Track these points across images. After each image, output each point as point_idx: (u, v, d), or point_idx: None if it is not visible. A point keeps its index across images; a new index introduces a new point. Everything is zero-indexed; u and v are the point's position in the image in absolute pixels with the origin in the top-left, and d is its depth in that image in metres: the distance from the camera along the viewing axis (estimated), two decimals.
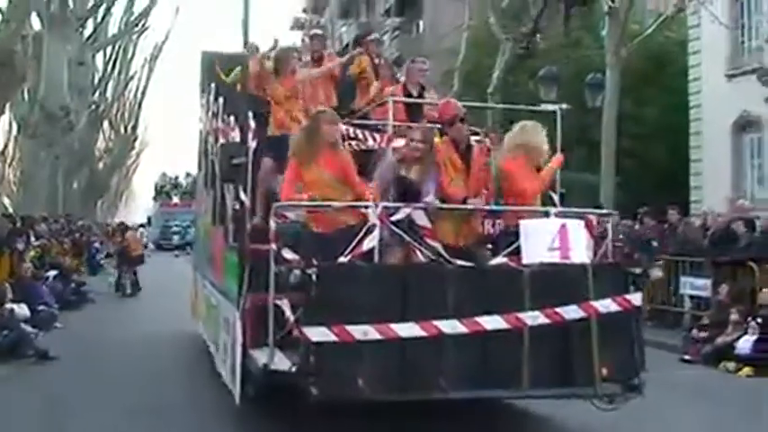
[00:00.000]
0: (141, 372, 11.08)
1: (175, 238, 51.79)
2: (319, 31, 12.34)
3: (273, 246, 6.83)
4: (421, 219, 7.17)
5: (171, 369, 11.40)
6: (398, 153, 7.90)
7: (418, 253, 7.07)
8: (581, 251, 7.16)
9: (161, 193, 58.79)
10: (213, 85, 11.18)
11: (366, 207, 7.02)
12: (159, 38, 50.47)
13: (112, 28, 39.09)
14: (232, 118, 9.48)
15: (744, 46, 30.03)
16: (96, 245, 32.57)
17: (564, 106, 8.83)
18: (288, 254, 6.87)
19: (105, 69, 42.32)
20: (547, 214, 7.34)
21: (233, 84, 10.54)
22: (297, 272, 6.68)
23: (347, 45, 11.26)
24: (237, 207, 8.43)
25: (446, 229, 7.48)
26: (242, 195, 7.97)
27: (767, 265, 13.56)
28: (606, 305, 6.79)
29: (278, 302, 6.86)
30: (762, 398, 10.11)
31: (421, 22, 44.81)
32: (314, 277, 6.38)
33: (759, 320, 12.14)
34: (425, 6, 43.68)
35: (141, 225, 36.93)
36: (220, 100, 10.38)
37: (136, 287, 23.81)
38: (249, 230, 7.93)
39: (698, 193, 29.51)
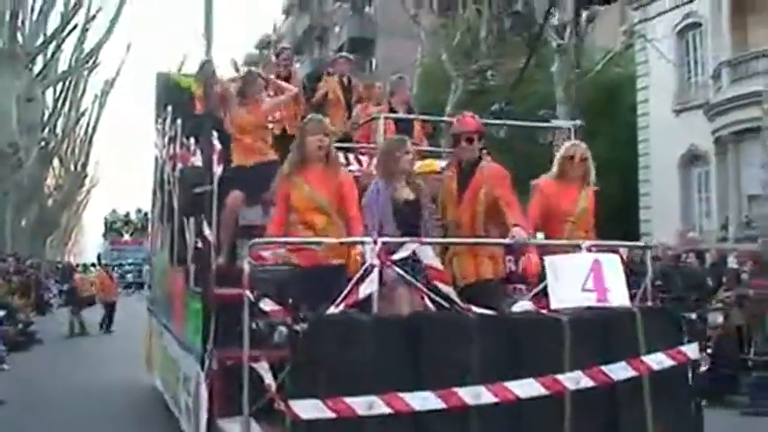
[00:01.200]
0: (90, 419, 9.80)
1: (128, 276, 48.65)
2: (288, 45, 11.03)
3: (248, 293, 5.26)
4: (428, 257, 5.61)
5: (122, 418, 9.86)
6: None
7: (426, 300, 5.51)
8: (620, 292, 5.64)
9: (111, 230, 56.51)
10: (170, 107, 9.57)
11: (362, 243, 5.47)
12: (111, 74, 48.45)
13: (63, 64, 37.19)
14: (192, 141, 7.92)
15: (690, 82, 29.50)
16: (48, 284, 30.69)
17: (578, 122, 7.43)
18: (267, 304, 5.30)
19: (55, 105, 40.23)
20: (578, 248, 5.83)
21: (190, 92, 9.05)
22: (281, 328, 5.09)
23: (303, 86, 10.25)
24: (200, 244, 6.82)
25: (458, 268, 6.04)
26: (206, 230, 6.34)
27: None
28: (659, 360, 5.28)
29: (254, 365, 5.29)
30: None
31: (374, 59, 43.48)
32: (301, 334, 4.82)
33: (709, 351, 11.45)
34: (378, 43, 42.49)
35: (92, 264, 34.68)
36: (178, 122, 8.78)
37: (84, 328, 22.04)
38: (215, 272, 6.34)
39: (647, 226, 28.86)
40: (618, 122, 29.73)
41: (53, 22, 30.91)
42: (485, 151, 6.46)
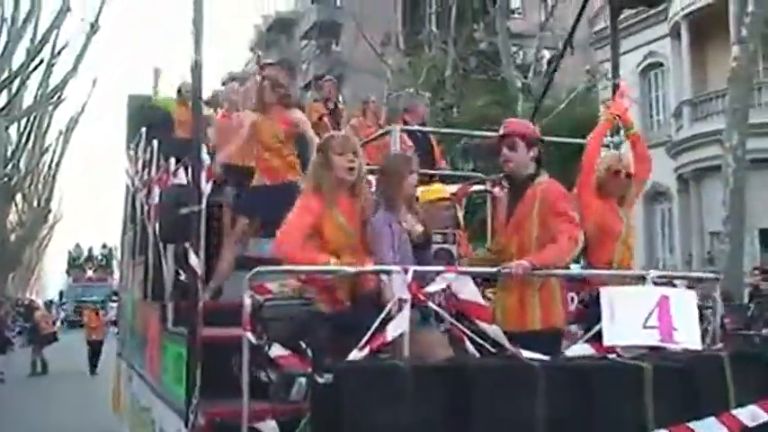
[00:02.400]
0: None
1: None
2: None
3: (249, 335, 4.09)
4: (469, 290, 4.47)
5: None
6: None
7: (467, 343, 4.36)
8: (690, 332, 4.56)
9: (74, 265, 54.46)
10: (145, 129, 8.39)
11: (389, 272, 4.32)
12: (76, 109, 46.82)
13: (27, 99, 35.57)
14: (173, 160, 6.75)
15: (652, 120, 29.04)
16: (9, 322, 28.97)
17: (617, 140, 6.39)
18: (275, 349, 4.12)
19: (19, 141, 38.39)
20: (642, 279, 4.73)
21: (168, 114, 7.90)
22: (301, 380, 3.89)
23: None
24: (183, 276, 5.63)
25: (500, 311, 4.83)
26: (191, 259, 5.13)
27: None
28: (753, 415, 4.19)
29: (257, 425, 4.11)
30: None
31: (341, 97, 42.46)
32: (322, 385, 3.65)
33: None
34: (345, 81, 41.61)
35: (50, 301, 32.87)
36: (155, 143, 7.62)
37: (45, 367, 20.63)
38: (202, 309, 5.15)
39: None
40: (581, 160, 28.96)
41: (18, 57, 29.39)
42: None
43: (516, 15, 34.58)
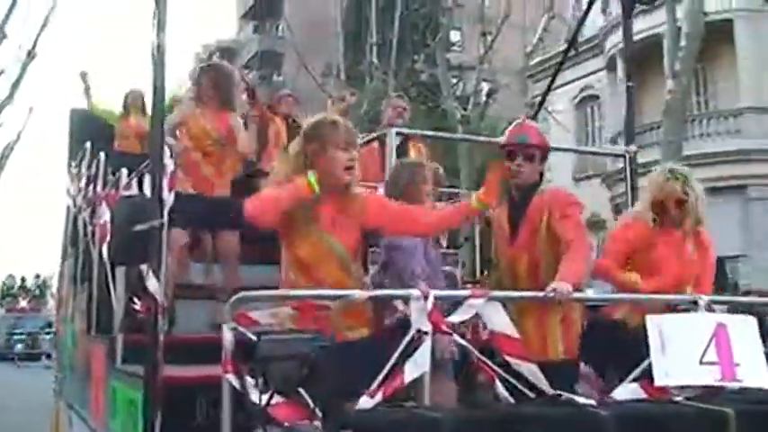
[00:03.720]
0: None
1: (18, 346, 41.21)
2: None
3: (230, 377, 3.12)
4: (499, 320, 3.53)
5: None
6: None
7: (498, 384, 3.43)
8: (758, 367, 3.71)
9: (6, 295, 52.04)
10: (89, 143, 7.33)
11: (405, 297, 3.37)
12: (11, 137, 44.88)
13: None
14: (125, 172, 5.72)
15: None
16: None
17: (633, 148, 5.57)
18: (258, 392, 3.12)
19: None
20: (694, 304, 3.87)
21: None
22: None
23: None
24: (138, 305, 4.60)
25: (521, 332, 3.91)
26: (151, 283, 4.11)
27: None
28: None
29: None
30: None
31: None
32: None
33: None
34: None
35: None
36: (101, 157, 6.56)
37: None
38: (164, 344, 4.12)
39: None
40: None
41: None
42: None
43: (456, 48, 34.13)
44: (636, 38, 24.65)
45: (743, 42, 22.60)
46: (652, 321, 3.74)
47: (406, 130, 5.65)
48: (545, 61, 28.78)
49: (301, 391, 2.89)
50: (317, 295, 3.35)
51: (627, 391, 3.61)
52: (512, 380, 3.41)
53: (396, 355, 3.24)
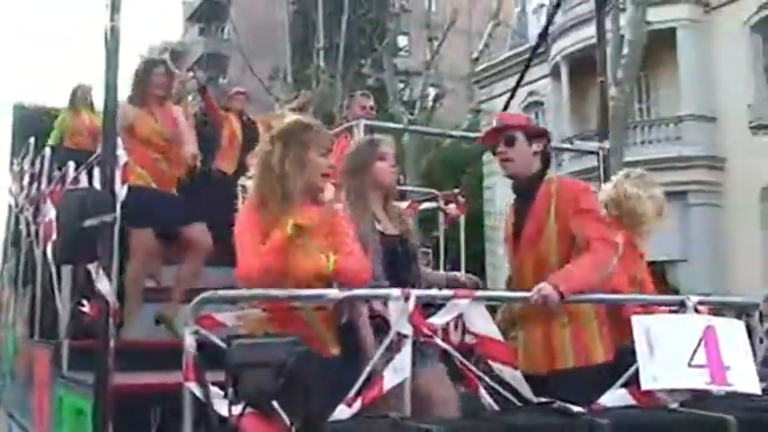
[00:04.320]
0: None
1: None
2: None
3: (192, 386, 2.80)
4: (482, 322, 3.25)
5: None
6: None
7: (482, 392, 3.16)
8: (747, 371, 3.50)
9: None
10: (33, 138, 6.89)
11: (385, 298, 3.08)
12: None
13: None
14: (72, 166, 5.32)
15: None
16: None
17: (606, 145, 5.36)
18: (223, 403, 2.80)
19: None
20: (682, 305, 3.64)
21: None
22: None
23: None
24: (87, 307, 4.23)
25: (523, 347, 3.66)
26: (102, 284, 3.76)
27: None
28: None
29: None
30: None
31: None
32: None
33: None
34: None
35: None
36: (46, 152, 6.14)
37: None
38: (113, 350, 3.76)
39: None
40: (466, 196, 28.54)
41: None
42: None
43: (403, 53, 34.02)
44: (580, 45, 25.03)
45: (684, 51, 22.81)
46: (638, 323, 3.51)
47: (375, 123, 5.36)
48: (491, 67, 28.79)
49: (275, 404, 2.58)
50: (289, 296, 3.03)
51: (615, 397, 3.37)
52: (497, 387, 3.13)
53: (374, 360, 2.96)
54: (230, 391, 2.37)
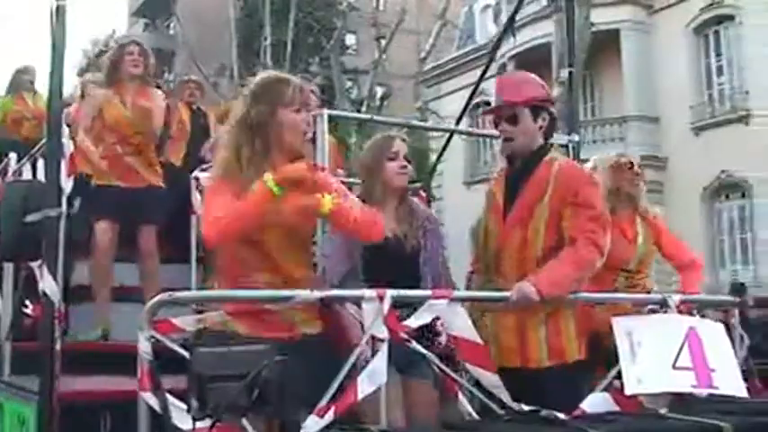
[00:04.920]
0: None
1: None
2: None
3: (149, 398, 2.51)
4: (460, 323, 2.98)
5: None
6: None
7: (462, 398, 2.91)
8: (732, 374, 3.32)
9: None
10: None
11: (358, 299, 2.81)
12: None
13: None
14: (13, 157, 4.96)
15: (479, 157, 28.77)
16: None
17: (576, 137, 5.16)
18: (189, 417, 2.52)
19: None
20: (663, 305, 3.44)
21: None
22: None
23: None
24: (29, 308, 3.89)
25: (492, 337, 3.36)
26: (46, 283, 3.43)
27: None
28: None
29: None
30: None
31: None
32: None
33: None
34: None
35: None
36: None
37: None
38: (60, 354, 3.44)
39: None
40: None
41: None
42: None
43: (351, 52, 33.69)
44: (525, 47, 25.07)
45: (628, 52, 22.96)
46: (619, 324, 3.30)
47: (339, 113, 5.09)
48: (438, 67, 28.68)
49: (246, 421, 2.30)
50: (256, 297, 2.75)
51: (597, 401, 3.16)
52: (478, 393, 2.90)
53: (347, 366, 2.70)
54: (194, 403, 2.08)
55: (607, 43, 21.96)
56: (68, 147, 3.62)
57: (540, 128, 3.53)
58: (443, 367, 2.88)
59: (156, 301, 2.59)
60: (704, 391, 3.21)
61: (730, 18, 21.00)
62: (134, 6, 44.82)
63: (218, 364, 2.05)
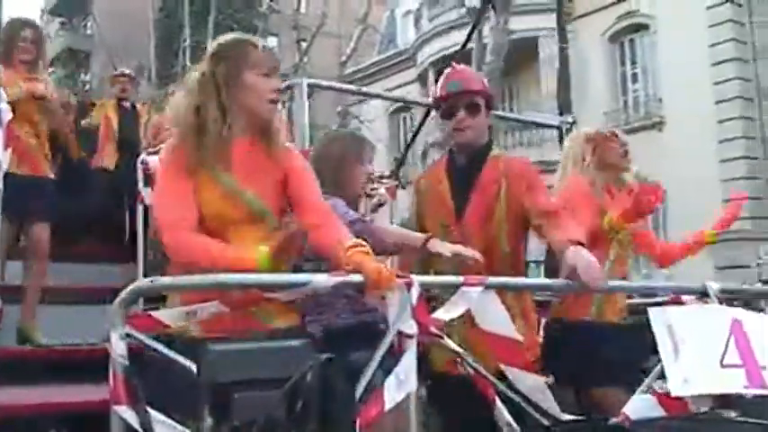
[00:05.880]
0: None
1: None
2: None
3: (125, 412, 1.88)
4: (494, 316, 2.39)
5: None
6: None
7: (500, 407, 2.33)
8: None
9: None
10: None
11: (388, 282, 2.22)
12: None
13: None
14: None
15: (407, 161, 28.38)
16: None
17: (569, 119, 4.71)
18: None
19: None
20: (705, 295, 2.94)
21: None
22: None
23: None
24: None
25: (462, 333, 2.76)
26: None
27: None
28: None
29: None
30: None
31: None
32: None
33: None
34: None
35: None
36: None
37: None
38: None
39: None
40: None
41: None
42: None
43: None
44: (447, 51, 24.88)
45: (545, 59, 22.93)
46: (657, 316, 2.81)
47: (318, 82, 4.49)
48: (359, 71, 28.20)
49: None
50: (265, 282, 2.12)
51: (641, 405, 2.65)
52: (518, 399, 2.34)
53: (371, 369, 2.11)
54: (209, 420, 1.45)
55: (525, 50, 21.87)
56: (7, 113, 2.93)
57: (487, 124, 3.33)
58: (480, 368, 2.30)
59: (131, 289, 1.95)
60: (756, 392, 2.75)
61: (645, 27, 21.14)
62: (50, 4, 42.98)
63: (239, 366, 1.44)
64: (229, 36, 2.67)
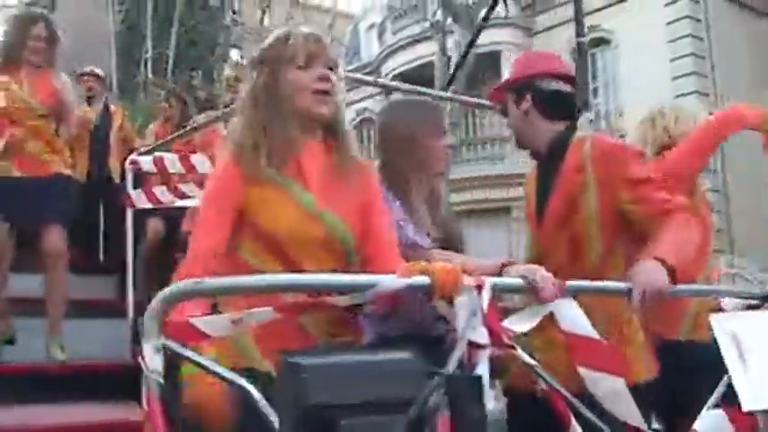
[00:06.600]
0: None
1: None
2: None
3: None
4: (573, 318, 2.06)
5: None
6: None
7: (573, 422, 2.03)
8: None
9: None
10: None
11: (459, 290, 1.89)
12: None
13: None
14: None
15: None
16: None
17: (589, 117, 4.45)
18: None
19: None
20: (765, 300, 2.65)
21: None
22: None
23: None
24: None
25: (545, 350, 2.39)
26: None
27: None
28: None
29: None
30: None
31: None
32: None
33: None
34: None
35: None
36: None
37: None
38: None
39: None
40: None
41: None
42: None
43: None
44: (413, 64, 24.68)
45: (508, 72, 22.92)
46: (720, 323, 2.54)
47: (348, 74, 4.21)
48: None
49: None
50: (321, 284, 1.80)
51: (711, 422, 2.37)
52: (591, 416, 2.03)
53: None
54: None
55: (488, 64, 21.80)
56: None
57: (526, 113, 2.76)
58: (554, 383, 2.00)
59: (170, 291, 1.61)
60: None
61: (606, 42, 21.20)
62: (6, 14, 42.04)
63: (342, 385, 1.11)
64: (270, 37, 2.35)
